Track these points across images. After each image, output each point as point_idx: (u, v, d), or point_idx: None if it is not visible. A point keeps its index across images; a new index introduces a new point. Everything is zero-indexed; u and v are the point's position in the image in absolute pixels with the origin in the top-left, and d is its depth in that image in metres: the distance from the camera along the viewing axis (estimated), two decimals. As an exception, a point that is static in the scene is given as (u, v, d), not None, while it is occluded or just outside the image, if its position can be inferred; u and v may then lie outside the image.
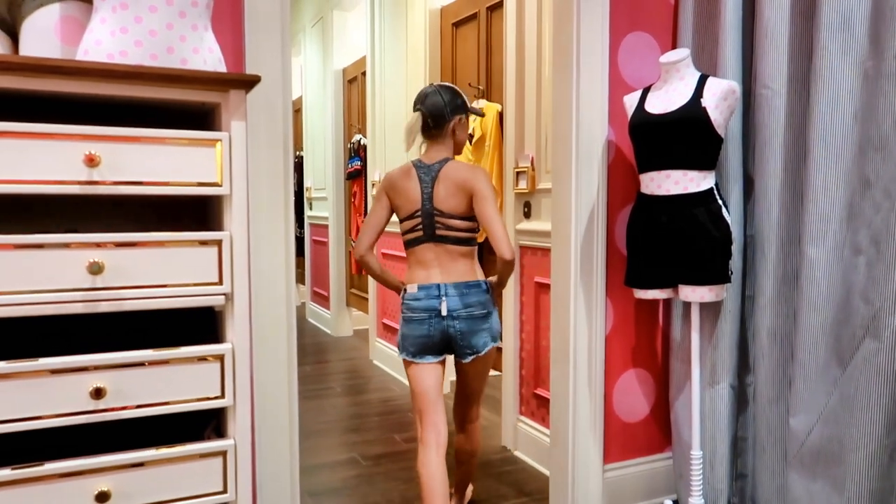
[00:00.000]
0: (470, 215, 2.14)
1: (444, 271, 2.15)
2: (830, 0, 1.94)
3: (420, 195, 2.15)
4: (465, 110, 2.21)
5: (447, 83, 2.33)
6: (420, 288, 2.14)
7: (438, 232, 2.14)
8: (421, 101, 2.18)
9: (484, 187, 2.09)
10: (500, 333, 2.28)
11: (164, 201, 1.61)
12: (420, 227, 2.16)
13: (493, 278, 2.23)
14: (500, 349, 3.32)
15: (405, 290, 2.20)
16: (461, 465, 2.42)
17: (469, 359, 2.16)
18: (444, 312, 2.10)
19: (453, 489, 2.49)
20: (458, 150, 2.25)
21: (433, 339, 2.13)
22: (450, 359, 2.30)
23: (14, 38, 1.43)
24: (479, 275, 2.19)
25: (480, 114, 2.35)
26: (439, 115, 2.16)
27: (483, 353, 2.16)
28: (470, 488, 2.56)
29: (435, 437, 2.13)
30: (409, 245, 2.22)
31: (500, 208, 3.30)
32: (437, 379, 2.17)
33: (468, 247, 2.18)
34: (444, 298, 2.11)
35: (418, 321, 2.13)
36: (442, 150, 2.19)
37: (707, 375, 2.28)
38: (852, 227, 1.95)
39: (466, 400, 2.31)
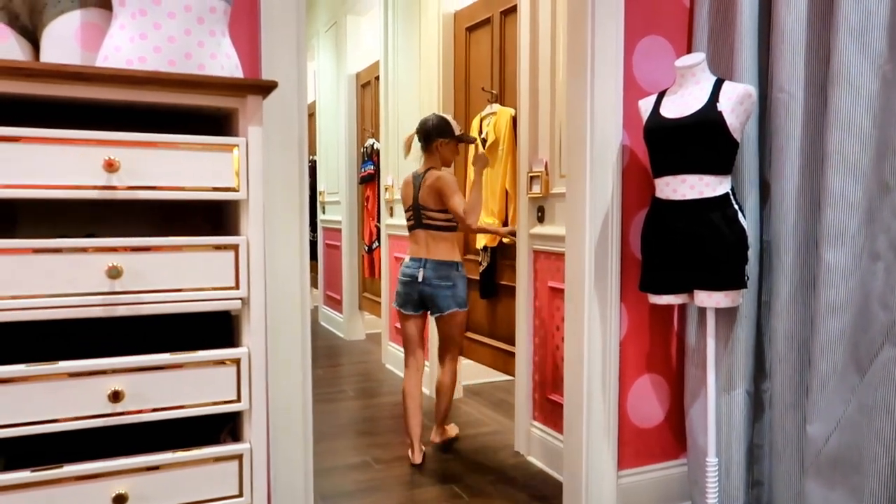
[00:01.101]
0: (444, 209, 2.93)
1: (428, 250, 2.98)
2: (848, 3, 1.93)
3: (412, 195, 3.04)
4: (449, 135, 3.00)
5: (444, 115, 3.06)
6: (411, 259, 3.02)
7: (424, 221, 2.99)
8: (419, 124, 3.06)
9: (445, 187, 2.88)
10: (465, 301, 3.01)
11: (185, 205, 1.62)
12: (413, 217, 3.04)
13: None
14: (512, 354, 3.31)
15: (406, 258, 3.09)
16: (439, 396, 3.12)
17: (436, 314, 2.98)
18: (419, 279, 2.96)
19: (436, 423, 3.19)
20: (444, 163, 3.04)
21: (412, 296, 3.01)
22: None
23: (35, 44, 1.45)
24: (456, 256, 2.99)
25: (470, 140, 3.12)
26: (427, 134, 3.01)
27: (445, 313, 2.96)
28: (453, 427, 3.25)
29: (414, 362, 3.09)
30: (409, 230, 3.09)
31: (515, 211, 3.30)
32: (417, 327, 3.09)
33: (448, 232, 2.98)
34: (422, 269, 2.96)
35: (404, 283, 3.02)
36: (430, 162, 3.03)
37: (722, 381, 2.26)
38: (870, 232, 1.93)
39: (443, 346, 3.09)
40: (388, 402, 3.95)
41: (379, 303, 5.10)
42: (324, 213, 6.39)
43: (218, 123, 1.58)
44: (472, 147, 3.68)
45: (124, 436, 1.44)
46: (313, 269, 6.68)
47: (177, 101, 1.34)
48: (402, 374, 4.52)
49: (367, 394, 4.12)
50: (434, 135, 2.99)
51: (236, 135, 1.41)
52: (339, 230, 5.84)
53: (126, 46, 1.34)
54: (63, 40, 1.40)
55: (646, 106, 2.22)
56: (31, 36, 1.45)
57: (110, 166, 1.25)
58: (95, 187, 1.26)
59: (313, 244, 6.64)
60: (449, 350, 3.06)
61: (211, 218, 1.68)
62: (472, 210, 2.83)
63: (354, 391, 4.18)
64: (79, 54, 1.40)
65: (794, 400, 2.14)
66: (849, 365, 1.96)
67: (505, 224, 3.45)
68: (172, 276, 1.31)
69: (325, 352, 5.28)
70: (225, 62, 1.44)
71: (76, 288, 1.25)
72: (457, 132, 3.02)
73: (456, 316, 2.98)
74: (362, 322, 5.82)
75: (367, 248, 5.36)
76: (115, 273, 1.26)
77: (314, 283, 6.73)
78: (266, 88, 1.39)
